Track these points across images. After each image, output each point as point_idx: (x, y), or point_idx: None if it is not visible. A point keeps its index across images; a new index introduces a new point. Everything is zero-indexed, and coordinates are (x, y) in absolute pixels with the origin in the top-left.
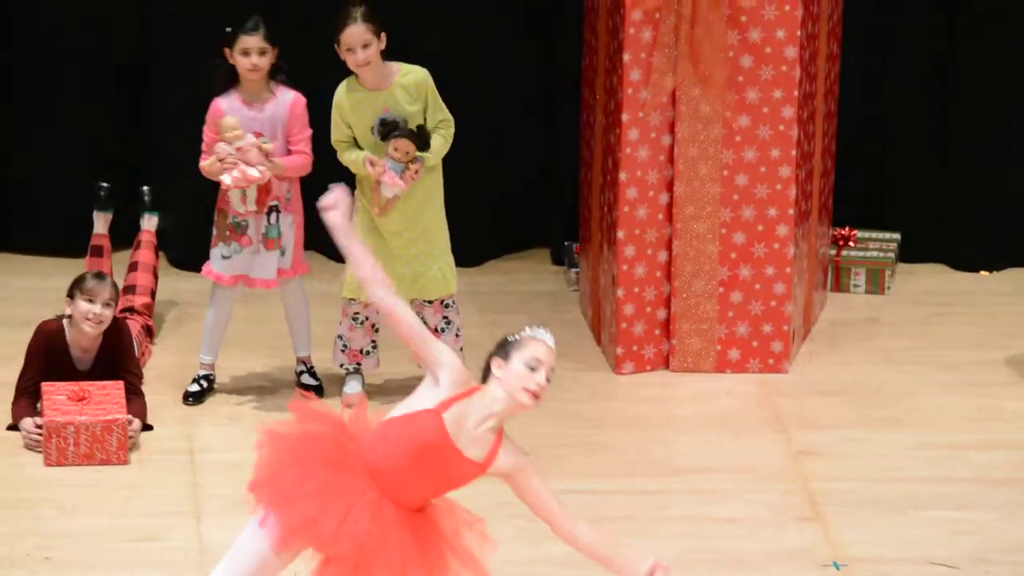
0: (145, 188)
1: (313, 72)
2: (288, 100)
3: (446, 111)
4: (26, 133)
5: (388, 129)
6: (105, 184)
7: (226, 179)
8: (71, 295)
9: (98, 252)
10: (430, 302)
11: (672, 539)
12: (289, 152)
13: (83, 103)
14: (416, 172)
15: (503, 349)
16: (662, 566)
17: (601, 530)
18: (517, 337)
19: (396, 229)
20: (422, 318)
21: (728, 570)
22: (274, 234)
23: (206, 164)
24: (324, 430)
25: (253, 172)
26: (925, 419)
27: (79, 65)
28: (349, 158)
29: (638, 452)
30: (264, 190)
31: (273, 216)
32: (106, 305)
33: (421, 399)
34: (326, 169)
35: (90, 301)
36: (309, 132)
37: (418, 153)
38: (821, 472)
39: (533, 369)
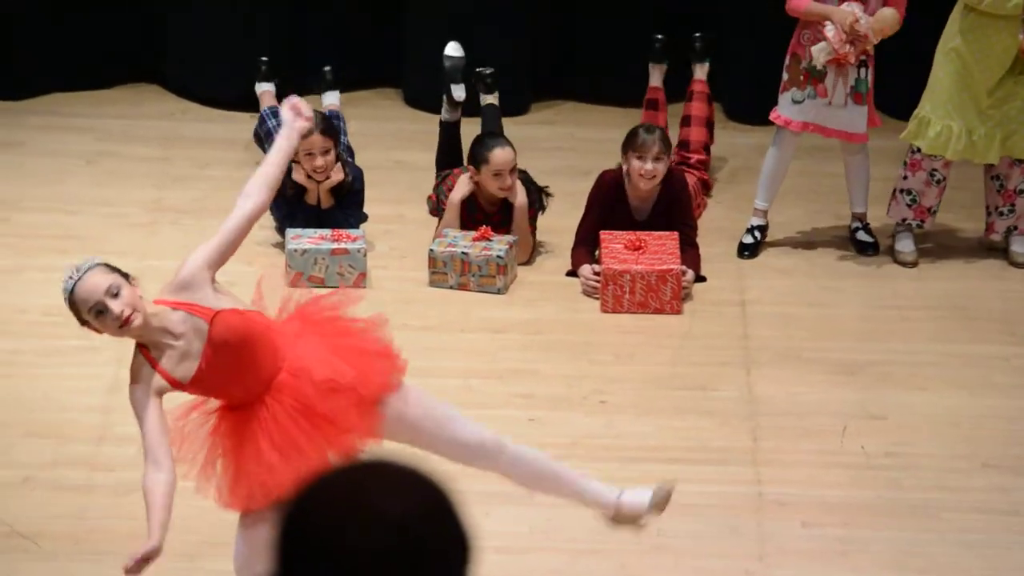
0: (699, 35)
1: None
2: None
3: None
4: None
5: None
6: (660, 36)
7: (829, 33)
8: (624, 151)
9: (653, 105)
10: (1020, 162)
11: None
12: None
13: None
14: None
15: None
16: None
17: None
18: None
19: (994, 83)
20: (1007, 178)
21: None
22: (863, 88)
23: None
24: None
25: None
26: None
27: None
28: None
29: None
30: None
31: (863, 71)
32: (656, 160)
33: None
34: None
35: (640, 158)
36: None
37: None
38: None
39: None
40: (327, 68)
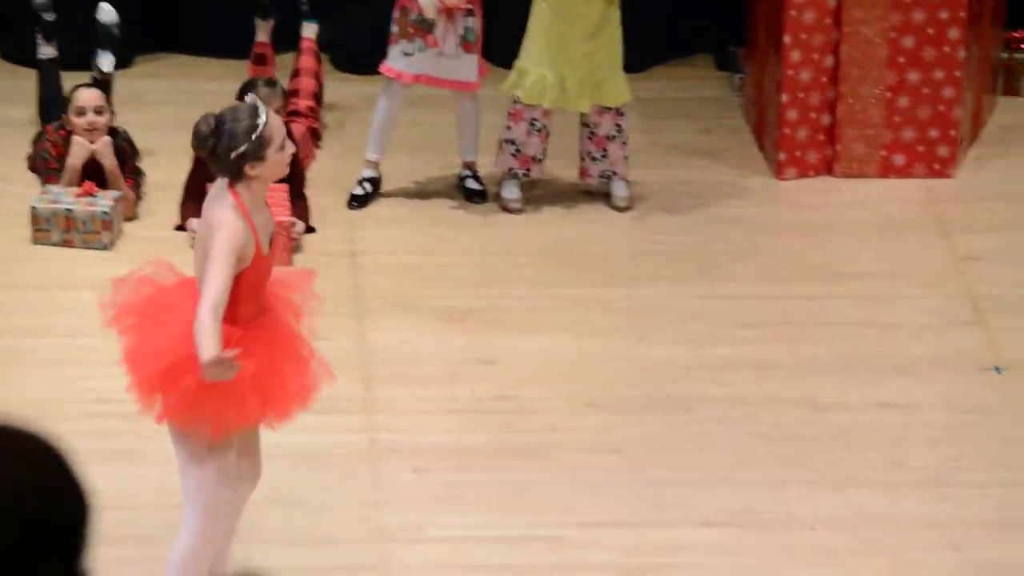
0: None
1: None
2: None
3: None
4: None
5: None
6: None
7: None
8: (240, 99)
9: (261, 60)
10: (609, 109)
11: (831, 344)
12: None
13: None
14: None
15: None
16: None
17: None
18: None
19: (582, 35)
20: (597, 125)
21: (888, 375)
22: (471, 37)
23: None
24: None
25: None
26: None
27: None
28: None
29: (799, 257)
30: None
31: (470, 19)
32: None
33: None
34: None
35: None
36: None
37: None
38: (985, 276)
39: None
40: None
